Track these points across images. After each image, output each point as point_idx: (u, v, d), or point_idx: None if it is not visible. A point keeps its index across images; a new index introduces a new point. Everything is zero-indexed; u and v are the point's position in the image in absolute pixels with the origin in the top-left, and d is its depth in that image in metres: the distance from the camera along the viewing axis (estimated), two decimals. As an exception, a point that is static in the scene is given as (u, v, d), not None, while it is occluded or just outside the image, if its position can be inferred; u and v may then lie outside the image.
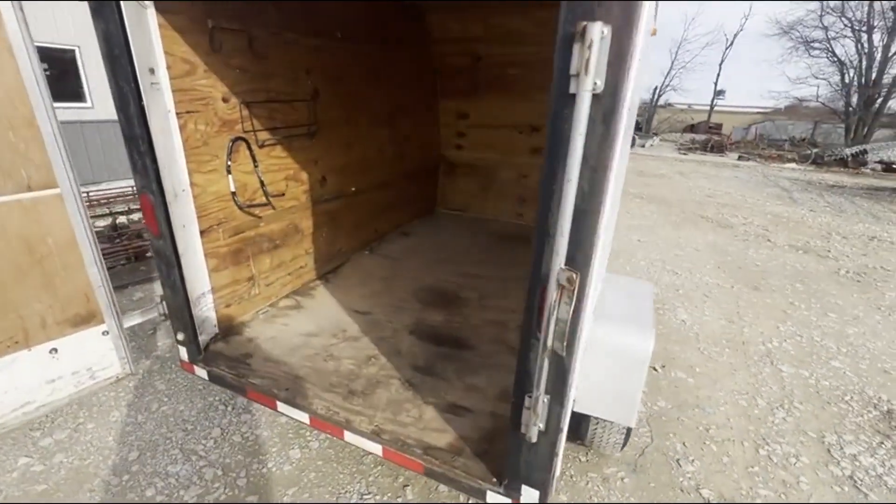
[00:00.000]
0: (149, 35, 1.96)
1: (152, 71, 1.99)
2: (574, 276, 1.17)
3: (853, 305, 4.99)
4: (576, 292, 1.19)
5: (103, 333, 2.20)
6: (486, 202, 5.03)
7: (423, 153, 4.73)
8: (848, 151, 20.13)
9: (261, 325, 2.75)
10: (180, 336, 2.39)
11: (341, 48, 3.22)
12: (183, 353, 2.43)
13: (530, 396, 1.45)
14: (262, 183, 2.71)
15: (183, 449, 2.60)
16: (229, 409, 2.93)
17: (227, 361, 2.39)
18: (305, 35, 2.86)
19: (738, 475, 2.58)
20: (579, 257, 1.23)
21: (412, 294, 3.21)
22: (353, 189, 3.65)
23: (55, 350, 2.10)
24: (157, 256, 2.23)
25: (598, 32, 0.98)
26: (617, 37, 1.02)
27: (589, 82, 1.02)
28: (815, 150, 21.37)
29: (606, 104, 1.08)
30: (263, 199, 2.75)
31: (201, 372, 2.40)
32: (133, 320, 2.34)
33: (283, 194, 2.89)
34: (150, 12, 1.95)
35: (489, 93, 4.57)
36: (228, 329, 2.65)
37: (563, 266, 1.20)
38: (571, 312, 1.22)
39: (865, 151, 19.92)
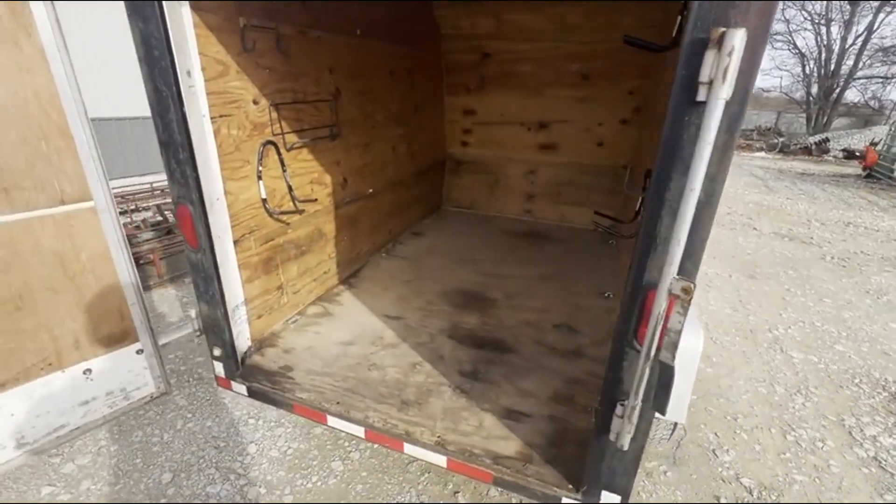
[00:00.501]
0: (184, 35, 1.84)
1: (188, 73, 1.87)
2: (691, 286, 1.16)
3: (844, 290, 5.23)
4: (690, 302, 1.18)
5: (137, 352, 2.07)
6: (493, 199, 5.00)
7: (430, 151, 4.67)
8: (811, 140, 21.08)
9: (293, 334, 2.65)
10: (217, 352, 2.28)
11: (360, 46, 3.12)
12: (219, 368, 2.32)
13: (623, 405, 1.44)
14: (290, 188, 2.61)
15: (219, 467, 2.49)
16: (260, 422, 2.83)
17: (268, 376, 2.30)
18: (330, 32, 2.75)
19: (772, 462, 2.66)
20: (689, 266, 1.22)
21: (440, 296, 3.17)
22: (371, 190, 3.56)
23: (89, 371, 1.97)
24: (193, 270, 2.11)
25: (740, 39, 0.96)
26: (751, 42, 1.00)
27: (725, 91, 1.00)
28: (781, 139, 22.27)
29: (733, 112, 1.06)
30: (292, 205, 2.64)
31: (240, 388, 2.30)
32: (168, 337, 2.21)
33: (316, 200, 2.78)
34: (185, 11, 1.83)
35: (497, 89, 4.53)
36: (262, 341, 2.55)
37: (676, 275, 1.18)
38: (684, 322, 1.21)
39: (828, 140, 20.90)
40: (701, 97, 1.05)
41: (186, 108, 1.81)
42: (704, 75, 1.03)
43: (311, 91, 2.68)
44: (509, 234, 4.42)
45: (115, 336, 1.96)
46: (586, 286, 3.33)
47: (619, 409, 1.45)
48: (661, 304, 1.22)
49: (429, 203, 4.83)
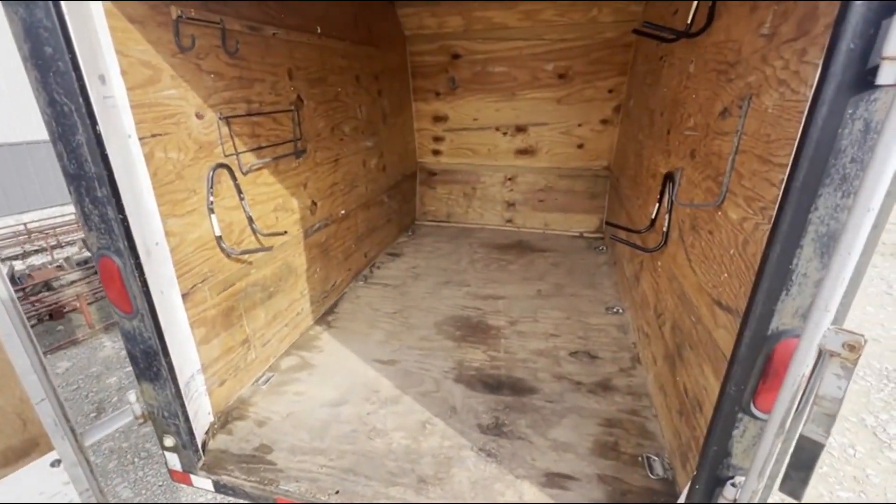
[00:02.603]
0: (93, 26, 1.34)
1: (102, 79, 1.37)
2: (860, 340, 0.85)
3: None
4: (856, 363, 0.87)
5: (52, 464, 1.52)
6: (471, 210, 4.67)
7: (402, 162, 4.26)
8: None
9: (266, 398, 2.16)
10: (169, 441, 1.75)
11: (321, 46, 2.67)
12: (173, 461, 1.80)
13: (735, 485, 1.12)
14: (250, 219, 2.12)
15: (181, 584, 1.95)
16: (231, 510, 2.29)
17: (239, 462, 1.80)
18: (286, 29, 2.30)
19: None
20: (840, 312, 0.91)
21: (434, 329, 2.76)
22: (343, 211, 3.10)
23: (-24, 503, 1.40)
24: (128, 341, 1.59)
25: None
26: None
27: (932, 68, 0.69)
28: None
29: (924, 99, 0.76)
30: (254, 240, 2.16)
31: (203, 482, 1.79)
32: (96, 435, 1.67)
33: (285, 232, 2.31)
34: (92, -6, 1.34)
35: (469, 92, 4.21)
36: (226, 413, 2.04)
37: (833, 326, 0.87)
38: (845, 389, 0.89)
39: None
40: (885, 79, 0.74)
41: (102, 127, 1.31)
42: (892, 47, 0.72)
43: (268, 100, 2.21)
44: (493, 248, 4.08)
45: (16, 451, 1.41)
46: (590, 301, 3.04)
47: (730, 490, 1.12)
48: (805, 361, 0.90)
49: (403, 219, 4.42)
